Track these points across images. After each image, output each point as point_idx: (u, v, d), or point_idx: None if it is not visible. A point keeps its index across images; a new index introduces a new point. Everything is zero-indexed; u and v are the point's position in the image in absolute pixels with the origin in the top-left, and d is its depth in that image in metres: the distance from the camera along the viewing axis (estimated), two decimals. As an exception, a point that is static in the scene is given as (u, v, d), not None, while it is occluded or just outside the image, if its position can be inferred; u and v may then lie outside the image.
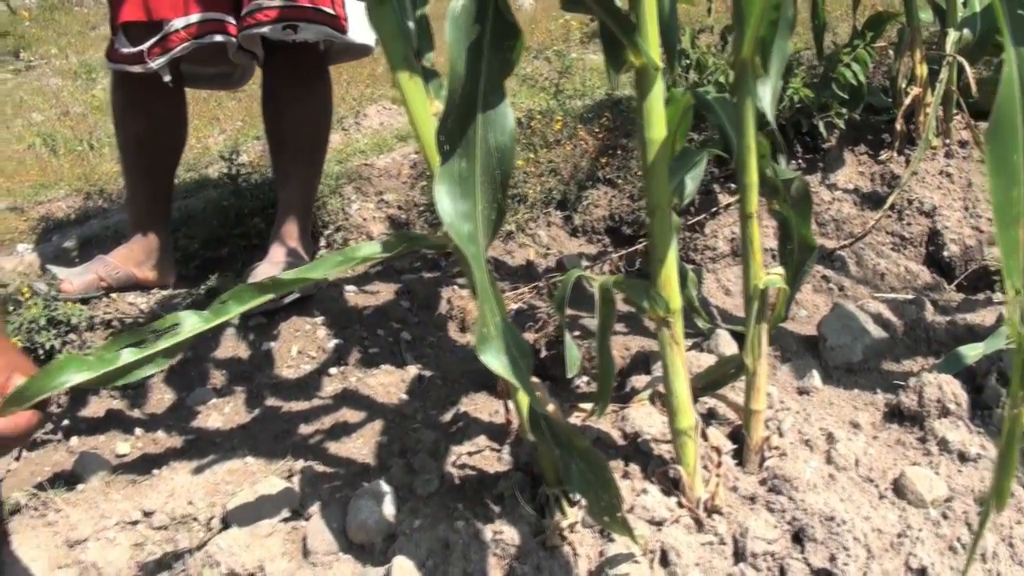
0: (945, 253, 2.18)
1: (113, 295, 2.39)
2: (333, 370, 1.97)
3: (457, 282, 2.29)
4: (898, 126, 2.41)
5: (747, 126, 1.25)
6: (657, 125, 1.15)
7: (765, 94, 1.37)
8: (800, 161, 2.43)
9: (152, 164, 2.42)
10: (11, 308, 2.21)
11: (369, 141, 3.53)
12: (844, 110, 2.40)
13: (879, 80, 2.76)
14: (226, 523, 1.43)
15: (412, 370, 1.89)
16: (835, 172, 2.38)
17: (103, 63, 5.78)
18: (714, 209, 2.34)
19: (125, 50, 2.19)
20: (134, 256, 2.38)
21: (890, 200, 2.23)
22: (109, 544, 1.43)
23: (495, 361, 0.99)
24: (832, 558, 1.20)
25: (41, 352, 2.13)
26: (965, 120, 2.39)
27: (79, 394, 2.13)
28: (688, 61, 2.50)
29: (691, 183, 1.42)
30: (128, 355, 1.15)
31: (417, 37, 1.19)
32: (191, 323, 1.19)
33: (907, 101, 2.39)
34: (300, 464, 1.54)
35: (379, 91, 4.50)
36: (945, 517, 1.28)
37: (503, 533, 1.29)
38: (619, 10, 1.09)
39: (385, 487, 1.39)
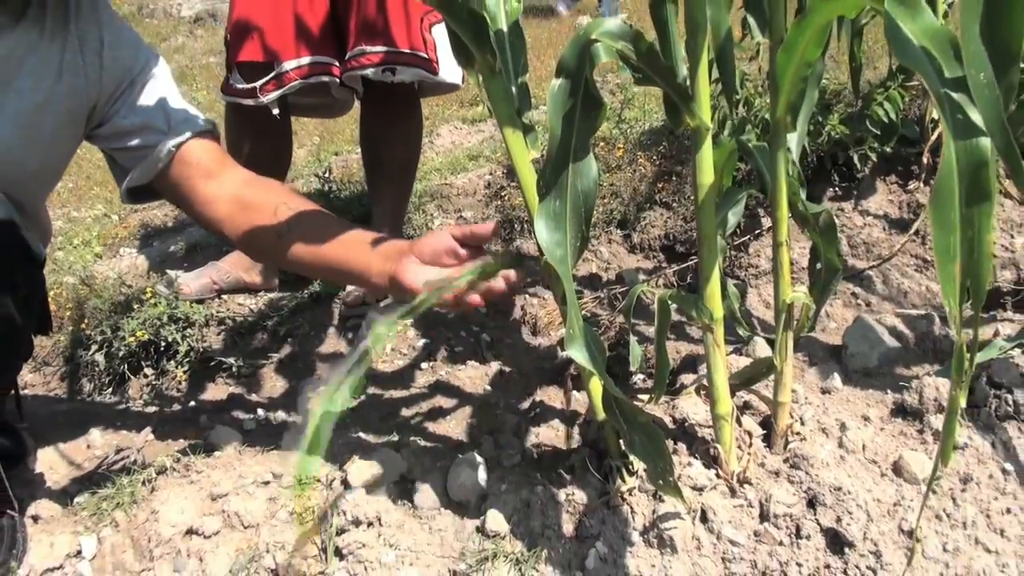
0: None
1: (224, 297, 2.73)
2: (424, 365, 2.30)
3: (528, 292, 2.60)
4: (925, 159, 2.68)
5: (780, 171, 1.55)
6: (707, 172, 1.46)
7: (793, 136, 1.67)
8: (836, 189, 2.72)
9: (261, 182, 2.76)
10: (135, 305, 2.57)
11: (443, 159, 3.86)
12: (876, 144, 2.68)
13: (914, 113, 3.03)
14: (346, 484, 1.75)
15: (494, 366, 2.21)
16: (867, 199, 2.66)
17: (218, 95, 6.19)
18: (757, 231, 2.64)
19: (240, 86, 2.52)
20: (242, 263, 2.72)
21: (915, 226, 2.51)
22: (249, 497, 1.76)
23: (579, 354, 1.31)
24: (838, 519, 1.50)
25: (163, 344, 2.48)
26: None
27: (199, 379, 2.49)
28: (737, 97, 2.80)
29: (733, 218, 1.73)
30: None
31: (519, 99, 1.52)
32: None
33: (932, 137, 2.67)
34: (406, 439, 1.87)
35: (449, 111, 4.84)
36: (934, 492, 1.58)
37: (574, 495, 1.61)
38: (680, 84, 1.40)
39: (478, 458, 1.72)
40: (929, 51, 1.00)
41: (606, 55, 1.36)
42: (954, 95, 0.98)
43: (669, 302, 1.52)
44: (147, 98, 1.75)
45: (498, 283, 1.41)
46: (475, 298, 1.40)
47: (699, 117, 1.43)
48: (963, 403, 1.04)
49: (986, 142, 0.96)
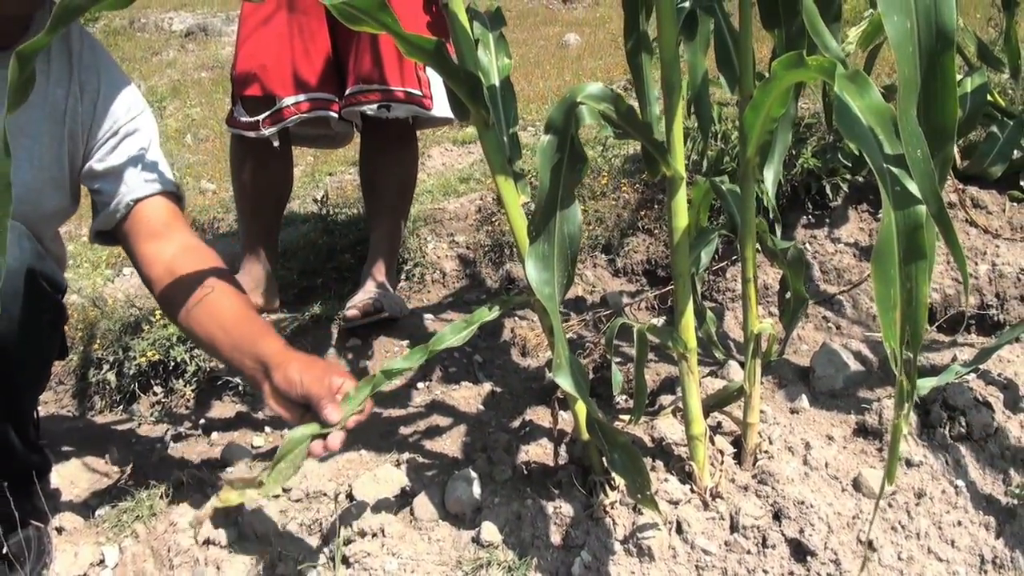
0: (928, 300, 2.62)
1: (229, 317, 2.86)
2: (420, 384, 2.45)
3: (517, 315, 2.76)
4: (894, 189, 2.84)
5: (748, 213, 1.71)
6: (681, 216, 1.62)
7: (769, 175, 1.83)
8: (810, 217, 2.87)
9: (263, 208, 2.91)
10: (145, 326, 2.71)
11: (435, 181, 4.01)
12: (848, 175, 2.84)
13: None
14: (351, 497, 1.90)
15: (486, 386, 2.36)
16: (839, 228, 2.82)
17: (209, 111, 6.30)
18: (734, 257, 2.79)
19: (243, 119, 2.67)
20: (245, 284, 2.84)
21: (882, 253, 2.67)
22: (260, 509, 1.90)
23: (566, 382, 1.46)
24: (801, 531, 1.66)
25: (172, 364, 2.62)
26: (954, 185, 2.83)
27: (206, 397, 2.63)
28: (715, 130, 2.96)
29: (705, 256, 1.90)
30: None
31: (509, 149, 1.67)
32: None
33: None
34: (405, 456, 2.01)
35: (440, 132, 4.98)
36: (890, 506, 1.74)
37: (561, 508, 1.77)
38: (656, 140, 1.56)
39: (473, 474, 1.87)
40: (873, 129, 1.16)
41: (590, 117, 1.51)
42: (894, 169, 1.13)
43: (647, 333, 1.67)
44: (124, 149, 1.88)
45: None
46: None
47: (673, 168, 1.58)
48: (905, 430, 1.20)
49: (922, 209, 1.12)
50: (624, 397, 2.19)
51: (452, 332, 1.62)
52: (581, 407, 1.71)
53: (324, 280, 3.05)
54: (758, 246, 1.79)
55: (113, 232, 1.90)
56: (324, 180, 4.62)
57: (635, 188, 3.10)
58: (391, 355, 2.61)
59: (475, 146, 4.77)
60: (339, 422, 1.58)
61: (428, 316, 2.83)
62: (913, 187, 1.11)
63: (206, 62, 8.64)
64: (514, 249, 3.05)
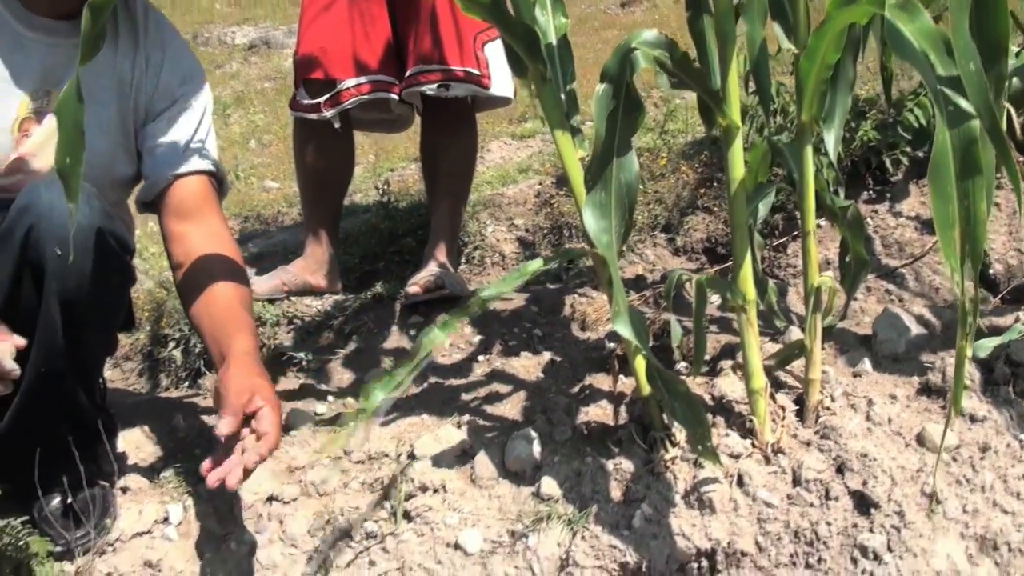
0: (991, 271, 2.57)
1: (293, 298, 2.92)
2: (481, 358, 2.47)
3: (577, 292, 2.77)
4: (956, 163, 2.80)
5: (806, 166, 1.71)
6: (737, 167, 1.62)
7: (830, 138, 1.83)
8: (871, 192, 2.85)
9: (324, 191, 2.96)
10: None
11: (494, 173, 4.04)
12: (908, 149, 2.81)
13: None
14: (412, 457, 1.92)
15: (546, 356, 2.38)
16: (900, 202, 2.79)
17: (273, 118, 6.41)
18: (795, 233, 2.77)
19: (305, 101, 2.74)
20: (309, 267, 2.90)
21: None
22: (323, 469, 1.93)
23: (624, 329, 1.48)
24: (864, 483, 1.65)
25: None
26: (1015, 157, 2.78)
27: (271, 372, 2.67)
28: (774, 106, 2.95)
29: (763, 208, 1.90)
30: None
31: (567, 105, 1.69)
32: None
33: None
34: (466, 418, 2.03)
35: (499, 128, 5.03)
36: (954, 460, 1.72)
37: (621, 464, 1.77)
38: (712, 88, 1.57)
39: (533, 433, 1.88)
40: (925, 51, 1.16)
41: (644, 62, 1.52)
42: (947, 90, 1.13)
43: (705, 285, 1.68)
44: (176, 124, 1.94)
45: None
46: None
47: (729, 117, 1.59)
48: (969, 353, 1.20)
49: (975, 124, 1.11)
50: (684, 365, 2.19)
51: (506, 282, 1.63)
52: (640, 361, 1.72)
53: (386, 264, 3.09)
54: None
55: (153, 203, 1.97)
56: (386, 175, 4.67)
57: (694, 168, 3.10)
58: (452, 332, 2.64)
59: (533, 140, 4.79)
60: (222, 436, 1.54)
61: (488, 295, 2.85)
62: (966, 105, 1.11)
63: (269, 73, 8.78)
64: (574, 231, 3.07)
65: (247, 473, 1.49)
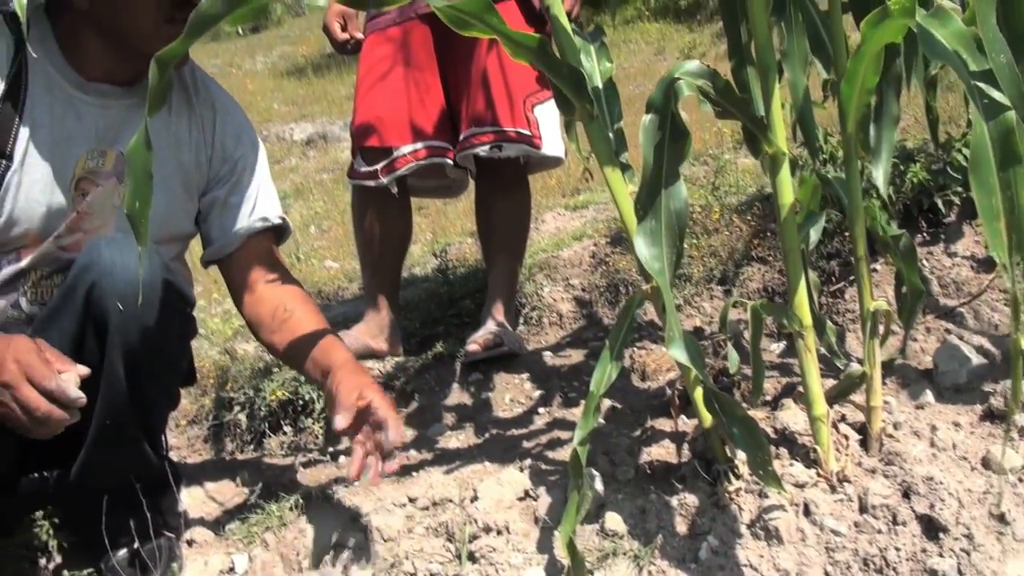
0: None
1: (354, 362, 2.97)
2: (541, 410, 2.48)
3: (636, 345, 2.78)
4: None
5: (855, 192, 1.73)
6: (786, 193, 1.64)
7: (879, 175, 1.85)
8: (924, 235, 2.83)
9: (383, 257, 3.02)
10: (274, 369, 2.83)
11: (549, 241, 4.09)
12: (960, 189, 2.80)
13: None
14: (475, 500, 1.92)
15: (606, 403, 2.38)
16: (955, 242, 2.77)
17: (332, 205, 6.56)
18: (852, 278, 2.76)
19: (363, 169, 2.81)
20: (369, 331, 2.95)
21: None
22: (387, 514, 1.94)
23: (679, 353, 1.49)
24: (932, 506, 1.62)
25: (300, 403, 2.71)
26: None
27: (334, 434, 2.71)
28: (824, 156, 2.97)
29: (814, 234, 1.91)
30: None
31: (615, 142, 1.74)
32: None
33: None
34: (528, 463, 2.04)
35: (552, 200, 5.09)
36: (1021, 480, 1.69)
37: (685, 499, 1.77)
38: (757, 116, 1.60)
39: (595, 472, 1.88)
40: (957, 51, 1.18)
41: (688, 90, 1.56)
42: (980, 84, 1.16)
43: (761, 311, 1.68)
44: (239, 185, 2.03)
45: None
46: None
47: (775, 144, 1.62)
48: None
49: (1011, 115, 1.13)
50: (738, 396, 2.19)
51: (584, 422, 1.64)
52: (699, 391, 1.72)
53: (445, 327, 3.13)
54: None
55: (224, 262, 2.05)
56: (444, 248, 4.75)
57: (747, 221, 3.11)
58: (512, 388, 2.66)
59: (587, 210, 4.84)
60: (340, 428, 1.71)
61: (547, 353, 2.87)
62: (1000, 96, 1.13)
63: (327, 166, 8.99)
64: (630, 287, 3.09)
65: (387, 458, 1.74)
